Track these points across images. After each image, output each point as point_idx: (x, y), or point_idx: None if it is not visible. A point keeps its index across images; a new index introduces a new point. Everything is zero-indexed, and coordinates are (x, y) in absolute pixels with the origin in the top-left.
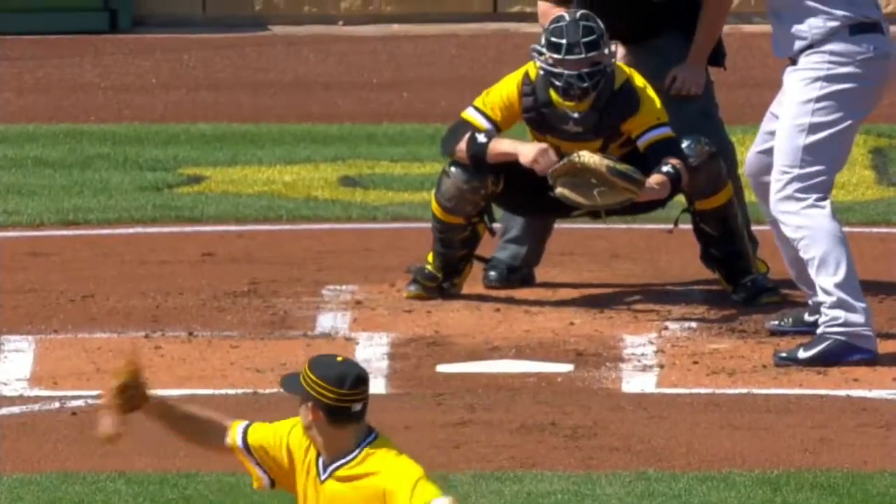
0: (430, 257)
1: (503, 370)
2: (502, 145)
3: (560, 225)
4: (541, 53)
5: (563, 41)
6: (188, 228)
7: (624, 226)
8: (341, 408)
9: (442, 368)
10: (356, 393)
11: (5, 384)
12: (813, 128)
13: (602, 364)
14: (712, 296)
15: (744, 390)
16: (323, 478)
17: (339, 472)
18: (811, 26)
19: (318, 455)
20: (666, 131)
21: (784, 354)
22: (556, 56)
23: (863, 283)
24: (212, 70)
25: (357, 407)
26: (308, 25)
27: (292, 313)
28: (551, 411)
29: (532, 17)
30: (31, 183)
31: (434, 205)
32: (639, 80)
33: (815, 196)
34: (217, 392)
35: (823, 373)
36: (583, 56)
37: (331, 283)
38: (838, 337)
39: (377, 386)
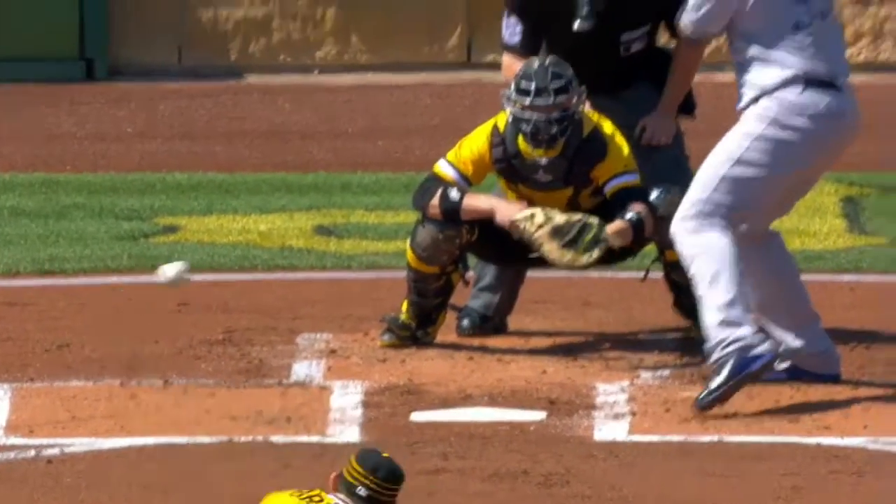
0: (404, 306)
1: (476, 418)
2: (478, 202)
3: (533, 273)
4: (510, 99)
5: (532, 86)
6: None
7: (596, 274)
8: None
9: (416, 417)
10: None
11: None
12: (740, 161)
13: (574, 412)
14: (684, 344)
15: (715, 438)
16: None
17: None
18: (766, 76)
19: None
20: (632, 178)
21: (701, 396)
22: (524, 101)
23: (834, 332)
24: (187, 119)
25: (361, 491)
26: (284, 74)
27: (267, 361)
28: (524, 459)
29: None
30: (8, 232)
31: (409, 254)
32: (607, 128)
33: (719, 224)
34: (192, 440)
35: (795, 420)
36: (551, 101)
37: (306, 332)
38: (734, 353)
39: (351, 434)
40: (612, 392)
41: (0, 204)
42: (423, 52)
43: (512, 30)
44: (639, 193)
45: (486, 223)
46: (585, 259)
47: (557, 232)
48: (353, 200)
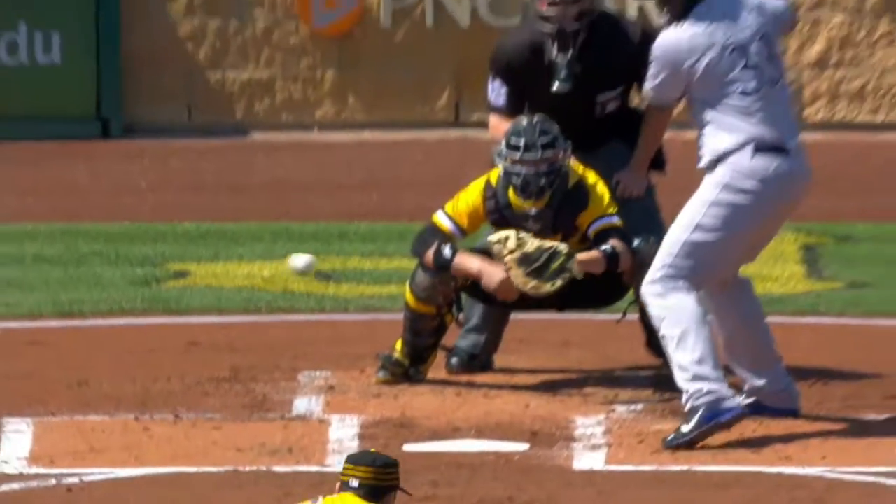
0: (397, 345)
1: (464, 449)
2: (467, 263)
3: (517, 315)
4: (501, 155)
5: (522, 141)
6: (174, 319)
7: (575, 316)
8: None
9: (408, 448)
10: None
11: (6, 462)
12: (699, 227)
13: (555, 443)
14: (656, 380)
15: (685, 467)
16: None
17: None
18: (719, 141)
19: None
20: (612, 220)
21: (671, 437)
22: (515, 156)
23: (794, 370)
24: (196, 173)
25: (353, 482)
26: (286, 132)
27: (270, 397)
28: (508, 487)
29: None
30: (31, 278)
31: (408, 295)
32: (591, 178)
33: (683, 283)
34: (201, 469)
35: (758, 451)
36: (539, 156)
37: (306, 370)
38: (706, 405)
39: None
40: (589, 425)
41: (23, 251)
42: (415, 112)
43: (497, 92)
44: (618, 232)
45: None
46: (548, 287)
47: (525, 259)
48: (350, 248)
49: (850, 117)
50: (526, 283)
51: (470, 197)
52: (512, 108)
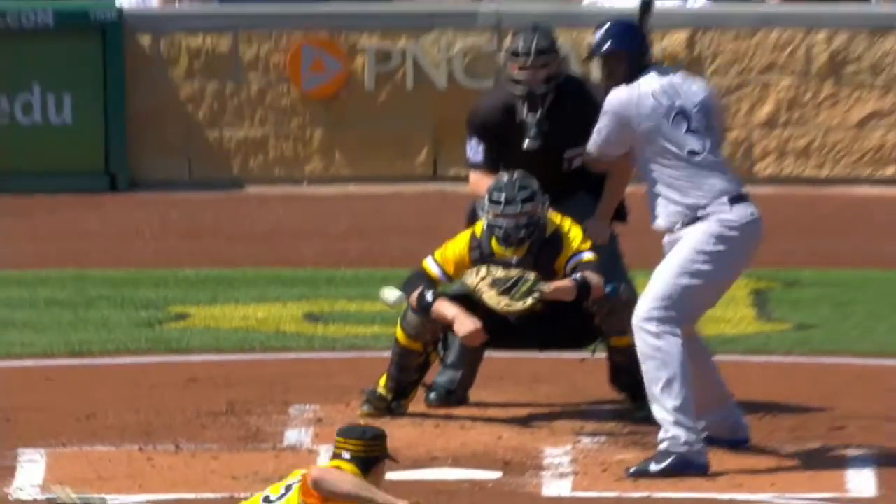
0: (381, 381)
1: (442, 477)
2: (444, 310)
3: (489, 354)
4: (484, 209)
5: (503, 196)
6: (175, 358)
7: (544, 354)
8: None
9: (390, 476)
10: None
11: (21, 490)
12: (695, 274)
13: (526, 471)
14: (619, 413)
15: (645, 494)
16: None
17: None
18: (695, 197)
19: None
20: (584, 256)
21: (636, 469)
22: (497, 210)
23: (746, 404)
24: (195, 223)
25: (345, 455)
26: (278, 185)
27: (263, 429)
28: None
29: (466, 179)
30: (44, 320)
31: (399, 332)
32: (566, 225)
33: (675, 325)
34: (199, 496)
35: (712, 479)
36: (519, 209)
37: (296, 403)
38: (680, 453)
39: None
40: (557, 455)
41: (37, 295)
42: (396, 167)
43: (475, 150)
44: (592, 266)
45: (469, 308)
46: (520, 305)
47: (496, 283)
48: (336, 292)
49: (797, 172)
50: (499, 303)
51: (457, 247)
52: (489, 164)
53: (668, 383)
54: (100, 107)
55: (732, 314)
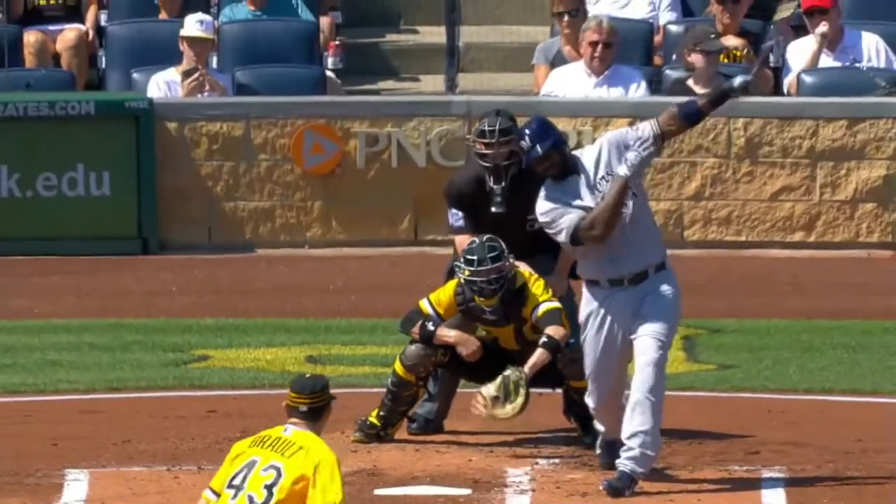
0: (372, 413)
1: (421, 493)
2: (446, 335)
3: (461, 389)
4: (460, 269)
5: (475, 257)
6: (198, 393)
7: None
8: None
9: (378, 492)
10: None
11: None
12: (678, 316)
13: (492, 489)
14: (570, 440)
15: None
16: None
17: None
18: (660, 251)
19: None
20: (549, 304)
21: (608, 483)
22: (470, 269)
23: (676, 432)
24: (215, 281)
25: (302, 408)
26: (283, 249)
27: None
28: None
29: (442, 244)
30: (86, 361)
31: (398, 365)
32: (531, 280)
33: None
34: None
35: (648, 496)
36: (489, 267)
37: None
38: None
39: None
40: (518, 475)
41: (81, 341)
42: (383, 233)
43: (455, 217)
44: (555, 314)
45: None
46: (521, 400)
47: (496, 401)
48: (333, 338)
49: (720, 237)
50: (505, 414)
51: (445, 293)
52: (469, 228)
53: (660, 408)
54: (134, 182)
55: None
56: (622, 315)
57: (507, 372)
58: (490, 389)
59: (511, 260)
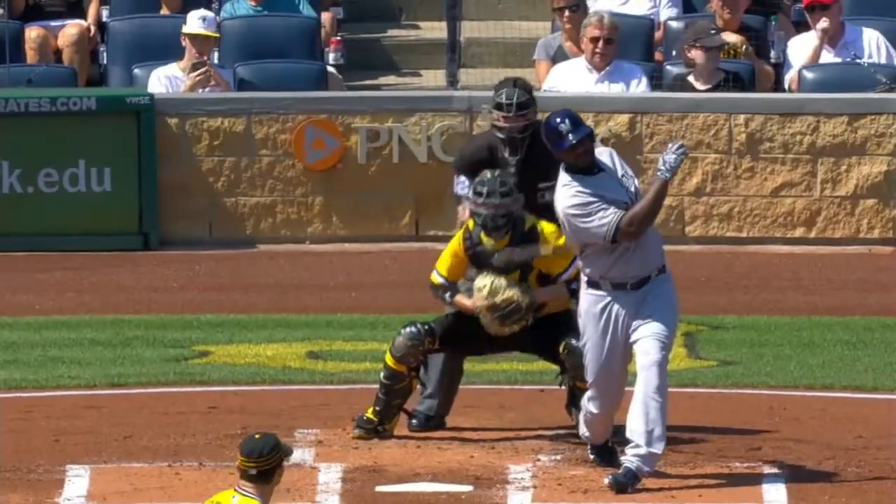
0: (370, 410)
1: (422, 490)
2: (463, 301)
3: (463, 386)
4: (469, 198)
5: (485, 189)
6: (198, 389)
7: (508, 386)
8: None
9: (379, 489)
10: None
11: (69, 500)
12: (677, 310)
13: (493, 485)
14: (571, 436)
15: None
16: None
17: None
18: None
19: None
20: (575, 267)
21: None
22: (479, 200)
23: (677, 428)
24: (216, 277)
25: (252, 472)
26: (284, 244)
27: None
28: None
29: (444, 239)
30: (88, 356)
31: (388, 357)
32: (542, 223)
33: None
34: None
35: (651, 492)
36: (497, 202)
37: (300, 428)
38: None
39: (333, 502)
40: (519, 471)
41: (82, 337)
42: (384, 228)
43: (461, 185)
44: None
45: (450, 335)
46: (506, 330)
47: (493, 307)
48: (334, 334)
49: (721, 233)
50: (491, 326)
51: (453, 245)
52: None
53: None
54: (135, 178)
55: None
56: (624, 317)
57: (523, 304)
58: (499, 295)
59: (519, 199)
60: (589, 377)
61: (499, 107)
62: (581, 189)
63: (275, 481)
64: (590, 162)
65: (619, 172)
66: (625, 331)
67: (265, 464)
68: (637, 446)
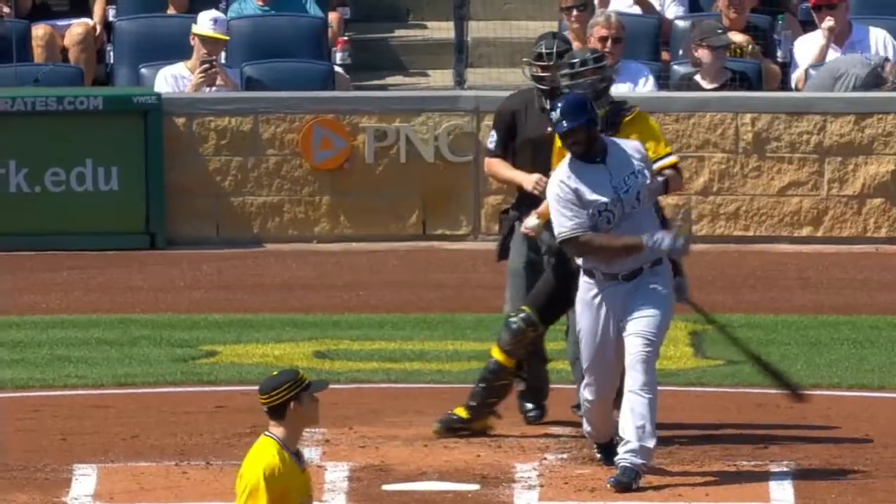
0: (459, 409)
1: (429, 489)
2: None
3: (469, 385)
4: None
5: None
6: (206, 388)
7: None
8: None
9: (386, 488)
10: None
11: (76, 499)
12: (669, 306)
13: (500, 484)
14: (578, 435)
15: (602, 503)
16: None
17: None
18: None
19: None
20: (670, 158)
21: (615, 479)
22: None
23: (684, 427)
24: (223, 276)
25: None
26: (292, 244)
27: None
28: None
29: (450, 238)
30: (95, 356)
31: (495, 351)
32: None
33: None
34: None
35: (658, 490)
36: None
37: (307, 427)
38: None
39: (340, 500)
40: (526, 470)
41: (89, 336)
42: (391, 228)
43: (492, 140)
44: (675, 168)
45: (547, 311)
46: None
47: None
48: (341, 333)
49: (728, 232)
50: None
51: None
52: (501, 153)
53: (655, 405)
54: (142, 177)
55: (673, 352)
56: (614, 307)
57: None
58: None
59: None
60: (584, 363)
61: (539, 57)
62: (564, 181)
63: (290, 419)
64: (583, 152)
65: (627, 170)
66: (616, 320)
67: (270, 400)
68: (628, 443)
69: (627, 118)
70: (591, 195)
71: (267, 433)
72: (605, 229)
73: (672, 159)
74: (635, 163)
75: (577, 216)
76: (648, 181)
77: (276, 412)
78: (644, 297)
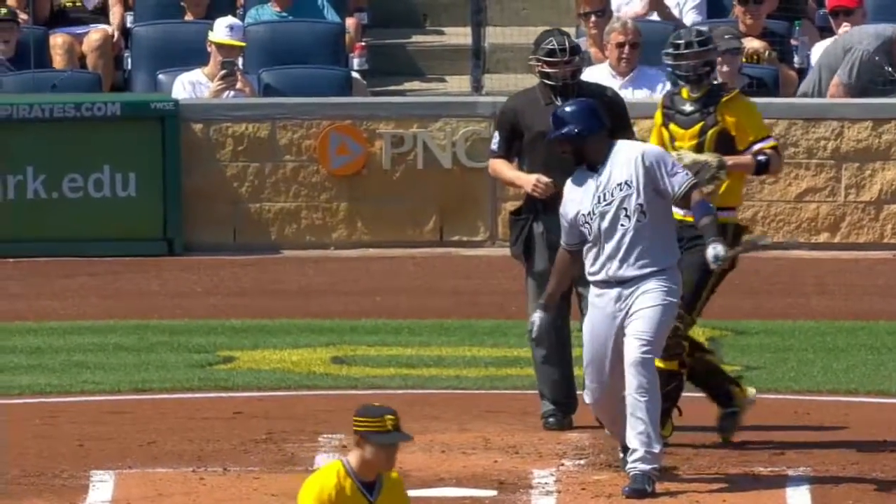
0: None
1: (447, 495)
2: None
3: (486, 391)
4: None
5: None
6: (223, 394)
7: (531, 391)
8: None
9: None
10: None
11: None
12: (667, 309)
13: (517, 490)
14: (595, 440)
15: None
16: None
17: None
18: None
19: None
20: (769, 142)
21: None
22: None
23: (702, 433)
24: (240, 282)
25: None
26: (309, 250)
27: (297, 454)
28: None
29: (468, 244)
30: (112, 362)
31: (657, 362)
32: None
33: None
34: None
35: (673, 496)
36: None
37: (325, 433)
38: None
39: None
40: (543, 476)
41: (107, 342)
42: (408, 234)
43: (495, 140)
44: (774, 150)
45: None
46: (709, 187)
47: (688, 167)
48: (358, 339)
49: (745, 238)
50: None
51: (655, 120)
52: (503, 154)
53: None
54: (159, 183)
55: (691, 358)
56: (609, 308)
57: (711, 161)
58: (688, 159)
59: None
60: (584, 365)
61: (550, 53)
62: (571, 181)
63: (364, 449)
64: (577, 160)
65: (619, 178)
66: (611, 322)
67: (353, 425)
68: (635, 451)
69: (725, 98)
70: (571, 205)
71: (342, 457)
72: (588, 242)
73: (771, 142)
74: (627, 175)
75: (566, 224)
76: (673, 192)
77: (355, 439)
78: (641, 299)
